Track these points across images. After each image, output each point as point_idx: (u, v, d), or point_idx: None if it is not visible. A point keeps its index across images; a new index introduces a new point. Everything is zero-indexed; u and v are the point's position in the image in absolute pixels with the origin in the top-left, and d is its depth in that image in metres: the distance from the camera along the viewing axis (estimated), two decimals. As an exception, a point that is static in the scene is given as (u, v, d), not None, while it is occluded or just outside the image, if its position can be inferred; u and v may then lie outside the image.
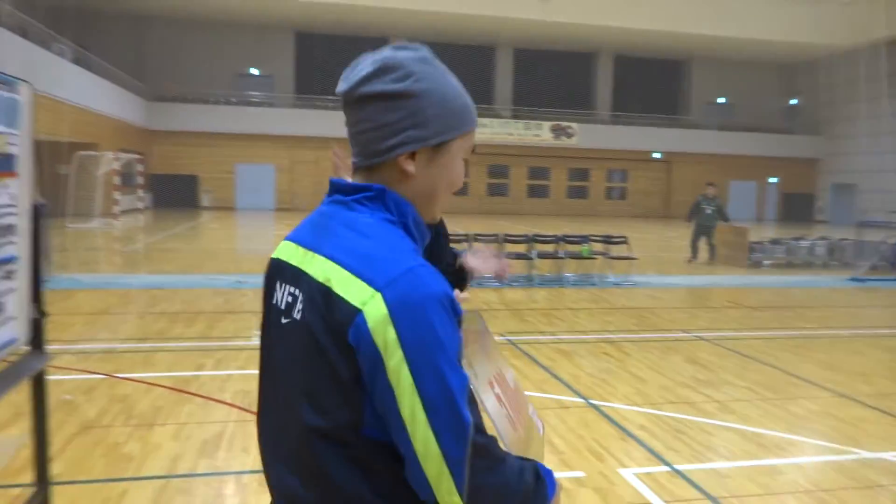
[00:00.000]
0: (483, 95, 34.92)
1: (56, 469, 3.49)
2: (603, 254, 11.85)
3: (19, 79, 2.41)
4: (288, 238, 1.21)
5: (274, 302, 1.15)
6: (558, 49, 34.86)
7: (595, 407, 4.88)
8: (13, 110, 2.35)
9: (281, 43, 32.28)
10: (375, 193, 1.11)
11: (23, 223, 2.47)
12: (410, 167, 1.12)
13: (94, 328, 6.97)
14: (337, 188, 1.16)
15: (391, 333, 0.97)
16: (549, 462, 3.74)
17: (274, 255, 1.21)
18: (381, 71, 1.10)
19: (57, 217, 18.31)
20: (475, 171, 33.49)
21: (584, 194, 34.81)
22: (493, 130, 32.61)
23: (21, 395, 4.49)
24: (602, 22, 29.81)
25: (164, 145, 29.40)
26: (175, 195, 29.00)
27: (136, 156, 23.62)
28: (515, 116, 33.89)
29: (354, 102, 1.11)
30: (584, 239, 11.96)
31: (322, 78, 32.29)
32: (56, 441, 3.88)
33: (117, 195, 20.48)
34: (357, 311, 0.98)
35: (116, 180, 20.38)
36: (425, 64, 1.14)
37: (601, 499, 3.45)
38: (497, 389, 1.36)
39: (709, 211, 14.39)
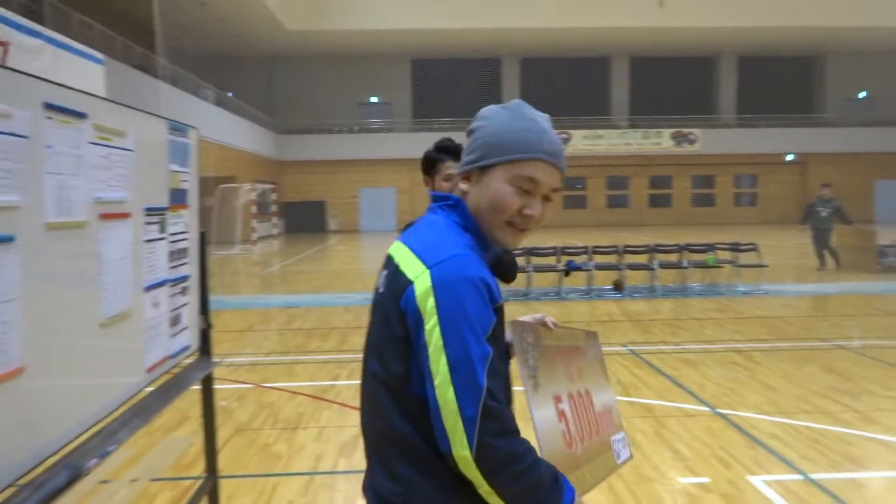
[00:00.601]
0: (598, 107, 34.50)
1: (218, 465, 3.95)
2: (730, 262, 11.40)
3: (189, 125, 2.84)
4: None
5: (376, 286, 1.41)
6: (676, 55, 33.85)
7: (722, 415, 4.78)
8: (185, 152, 2.77)
9: (398, 70, 33.61)
10: (453, 202, 1.39)
11: (193, 247, 2.89)
12: (464, 186, 1.38)
13: (241, 343, 7.66)
14: (432, 199, 1.44)
15: (431, 302, 1.19)
16: (671, 467, 3.77)
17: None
18: (477, 116, 1.41)
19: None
20: (593, 184, 33.06)
21: (710, 202, 33.36)
22: (609, 142, 32.09)
23: (185, 402, 5.08)
24: (722, 23, 28.67)
25: (294, 174, 31.40)
26: (305, 220, 30.88)
27: (270, 185, 25.42)
28: (633, 126, 33.16)
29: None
30: (710, 247, 11.56)
31: (438, 101, 33.37)
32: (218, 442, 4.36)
33: (254, 223, 22.11)
34: (409, 283, 1.24)
35: (253, 209, 22.03)
36: (503, 110, 1.37)
37: (728, 503, 3.42)
38: (565, 406, 1.49)
39: (824, 214, 13.27)
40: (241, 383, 5.88)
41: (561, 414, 1.46)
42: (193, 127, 2.87)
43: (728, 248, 11.64)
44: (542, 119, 1.37)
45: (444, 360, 1.17)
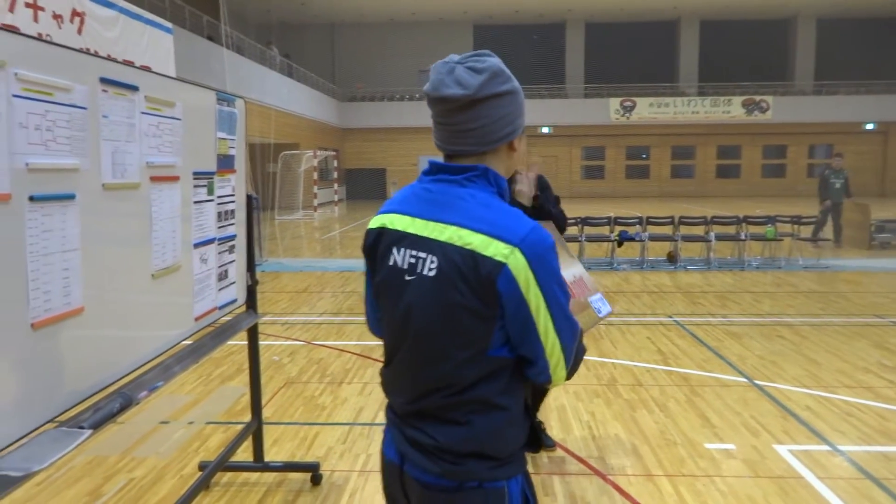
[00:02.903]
0: (665, 73, 33.46)
1: (266, 413, 4.27)
2: (791, 235, 11.09)
3: (236, 95, 3.05)
4: (392, 211, 1.47)
5: (391, 263, 1.42)
6: (749, 17, 32.38)
7: (758, 387, 4.80)
8: (232, 121, 3.00)
9: (460, 36, 33.40)
10: (481, 172, 1.40)
11: (240, 209, 3.13)
12: (520, 146, 1.47)
13: (297, 304, 8.03)
14: (442, 169, 1.44)
15: (530, 276, 1.31)
16: (699, 433, 3.90)
17: (379, 226, 1.47)
18: (494, 75, 1.38)
19: (267, 210, 20.74)
20: (656, 154, 32.27)
21: (781, 173, 32.10)
22: (676, 110, 31.15)
23: (242, 356, 5.43)
24: (800, -17, 27.19)
25: (355, 141, 31.86)
26: (365, 187, 31.38)
27: (332, 152, 25.91)
28: (701, 93, 32.05)
29: (477, 102, 1.36)
30: (770, 220, 11.26)
31: (499, 68, 33.03)
32: (266, 392, 4.69)
33: (316, 189, 22.66)
34: (502, 265, 1.30)
35: (315, 176, 22.56)
36: (511, 75, 1.43)
37: (748, 469, 3.49)
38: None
39: (837, 185, 12.74)
40: (293, 340, 6.22)
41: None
42: (240, 97, 3.09)
43: (789, 221, 11.32)
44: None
45: (550, 319, 1.35)
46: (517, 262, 1.29)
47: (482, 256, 1.30)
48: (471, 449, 1.37)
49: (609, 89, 31.90)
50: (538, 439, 1.51)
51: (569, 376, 1.42)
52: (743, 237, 10.92)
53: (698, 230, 11.35)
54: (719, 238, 10.94)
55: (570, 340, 1.38)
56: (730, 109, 31.03)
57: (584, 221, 10.96)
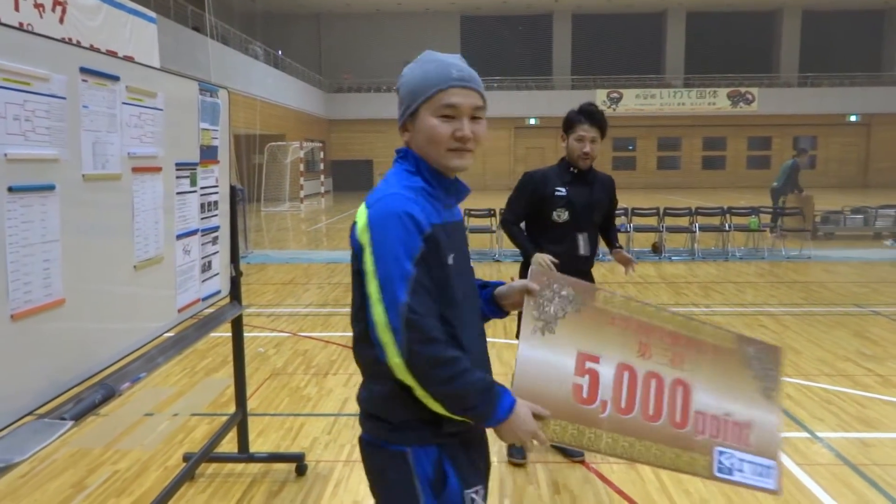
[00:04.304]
0: (652, 65, 33.56)
1: (251, 404, 4.27)
2: (773, 226, 11.19)
3: (219, 86, 3.04)
4: None
5: None
6: (735, 9, 32.53)
7: (740, 376, 4.85)
8: (215, 111, 2.98)
9: (447, 27, 33.31)
10: (403, 153, 1.58)
11: (223, 201, 3.12)
12: (406, 136, 1.56)
13: (282, 295, 8.01)
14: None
15: (367, 236, 1.42)
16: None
17: None
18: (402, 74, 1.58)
19: (253, 202, 20.63)
20: (643, 145, 32.41)
21: (766, 164, 32.34)
22: (662, 101, 31.30)
23: (226, 348, 5.42)
24: (785, -25, 27.34)
25: (342, 133, 31.72)
26: (352, 179, 31.28)
27: (318, 144, 25.80)
28: (687, 85, 32.21)
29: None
30: (753, 211, 11.37)
31: (487, 59, 33.00)
32: (251, 383, 4.69)
33: (302, 180, 22.57)
34: (354, 222, 1.48)
35: (301, 167, 22.46)
36: (413, 63, 1.57)
37: (729, 457, 3.54)
38: (605, 369, 1.57)
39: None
40: (279, 332, 6.22)
41: (587, 371, 1.57)
42: (223, 87, 3.07)
43: (772, 212, 11.43)
44: (449, 57, 1.55)
45: (375, 283, 1.39)
46: (361, 221, 1.45)
47: (355, 217, 1.50)
48: (370, 410, 1.52)
49: (596, 80, 31.96)
50: (439, 418, 1.46)
51: (410, 368, 1.36)
52: (727, 228, 11.02)
53: (683, 221, 11.43)
54: (703, 229, 11.03)
55: (394, 318, 1.35)
56: (715, 101, 31.22)
57: (570, 213, 11.00)
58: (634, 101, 31.27)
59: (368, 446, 1.54)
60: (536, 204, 3.46)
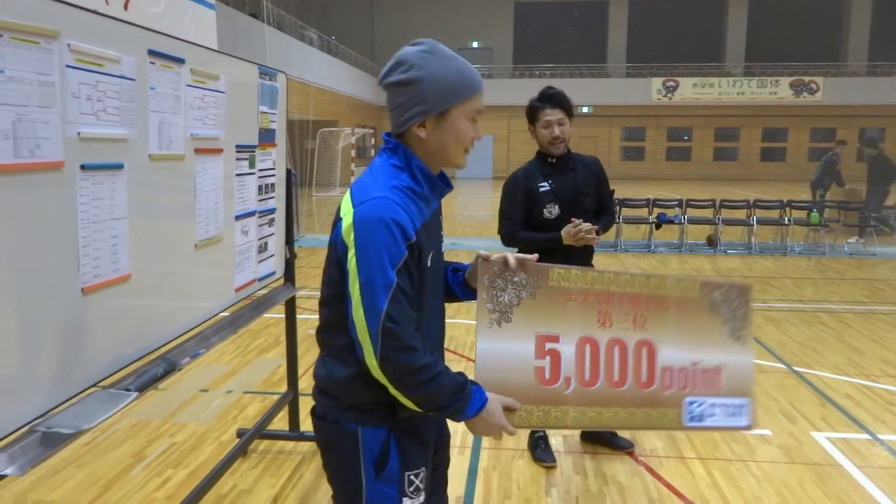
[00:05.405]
0: (711, 52, 32.61)
1: (302, 384, 4.33)
2: (836, 221, 10.79)
3: (277, 70, 3.09)
4: None
5: None
6: (801, -6, 31.29)
7: (797, 373, 4.71)
8: (274, 95, 3.03)
9: (501, 14, 33.00)
10: (393, 146, 1.55)
11: (280, 184, 3.18)
12: (422, 133, 1.51)
13: (334, 279, 8.12)
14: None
15: (352, 237, 1.43)
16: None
17: None
18: (395, 66, 1.51)
19: (305, 186, 20.95)
20: (699, 136, 31.58)
21: (828, 157, 31.08)
22: (721, 90, 30.38)
23: (278, 329, 5.54)
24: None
25: (394, 119, 31.84)
26: (402, 165, 31.40)
27: (370, 130, 25.98)
28: (748, 74, 31.18)
29: (384, 90, 1.54)
30: (815, 204, 10.96)
31: (540, 46, 32.62)
32: (302, 364, 4.76)
33: (353, 166, 22.77)
34: (339, 220, 1.48)
35: (352, 153, 22.66)
36: (427, 54, 1.50)
37: (784, 455, 3.45)
38: (565, 347, 1.60)
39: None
40: (329, 314, 6.31)
41: (547, 352, 1.59)
42: (281, 71, 3.12)
43: (835, 206, 11.01)
44: (456, 53, 1.54)
45: (357, 285, 1.42)
46: (347, 221, 1.45)
47: (338, 209, 1.51)
48: (327, 388, 1.56)
49: (651, 69, 31.24)
50: (395, 403, 1.50)
51: (384, 372, 1.41)
52: (786, 221, 10.66)
53: (740, 214, 11.10)
54: (761, 222, 10.70)
55: (372, 323, 1.39)
56: (777, 91, 30.13)
57: (622, 203, 10.82)
58: (691, 90, 30.45)
59: (320, 420, 1.59)
60: (528, 204, 3.22)
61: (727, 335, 1.70)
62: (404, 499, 1.54)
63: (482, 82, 1.55)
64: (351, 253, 1.43)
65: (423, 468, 1.59)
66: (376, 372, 1.43)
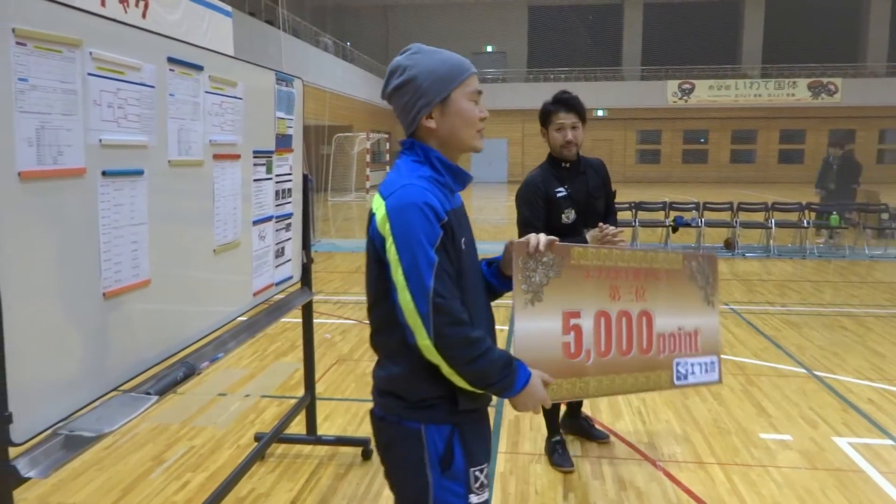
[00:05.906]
0: (727, 54, 32.38)
1: (319, 388, 4.37)
2: (856, 223, 10.66)
3: (294, 76, 3.11)
4: None
5: None
6: (818, -5, 30.98)
7: (818, 378, 4.66)
8: (290, 101, 3.05)
9: (514, 18, 33.03)
10: (409, 144, 1.63)
11: (296, 189, 3.20)
12: (431, 123, 1.58)
13: (349, 283, 8.16)
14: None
15: (387, 226, 1.47)
16: (754, 423, 3.79)
17: None
18: (390, 75, 1.61)
19: (320, 191, 21.05)
20: (714, 138, 31.36)
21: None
22: (737, 92, 30.16)
23: (295, 333, 5.57)
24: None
25: (408, 124, 31.91)
26: (417, 170, 31.46)
27: (384, 135, 26.06)
28: (765, 75, 30.91)
29: (388, 99, 1.64)
30: (834, 207, 10.84)
31: (554, 51, 32.57)
32: (318, 368, 4.80)
33: (368, 171, 22.85)
34: (373, 214, 1.53)
35: (367, 158, 22.74)
36: (415, 54, 1.60)
37: (806, 460, 3.41)
38: (585, 321, 1.70)
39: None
40: (345, 319, 6.33)
41: (572, 328, 1.69)
42: (298, 77, 3.14)
43: (855, 209, 10.87)
44: (465, 57, 1.66)
45: (400, 271, 1.45)
46: (381, 214, 1.49)
47: (371, 209, 1.56)
48: (386, 388, 1.58)
49: (667, 71, 31.08)
50: (455, 397, 1.53)
51: (439, 350, 1.44)
52: (805, 224, 10.55)
53: (758, 216, 11.00)
54: (780, 225, 10.60)
55: (422, 304, 1.42)
56: (795, 92, 29.86)
57: (639, 206, 10.76)
58: (707, 93, 30.25)
59: (381, 421, 1.61)
60: (547, 209, 3.17)
61: (702, 300, 1.93)
62: (471, 495, 1.56)
63: (472, 65, 1.62)
64: (389, 242, 1.46)
65: (486, 463, 1.61)
66: (430, 352, 1.45)
